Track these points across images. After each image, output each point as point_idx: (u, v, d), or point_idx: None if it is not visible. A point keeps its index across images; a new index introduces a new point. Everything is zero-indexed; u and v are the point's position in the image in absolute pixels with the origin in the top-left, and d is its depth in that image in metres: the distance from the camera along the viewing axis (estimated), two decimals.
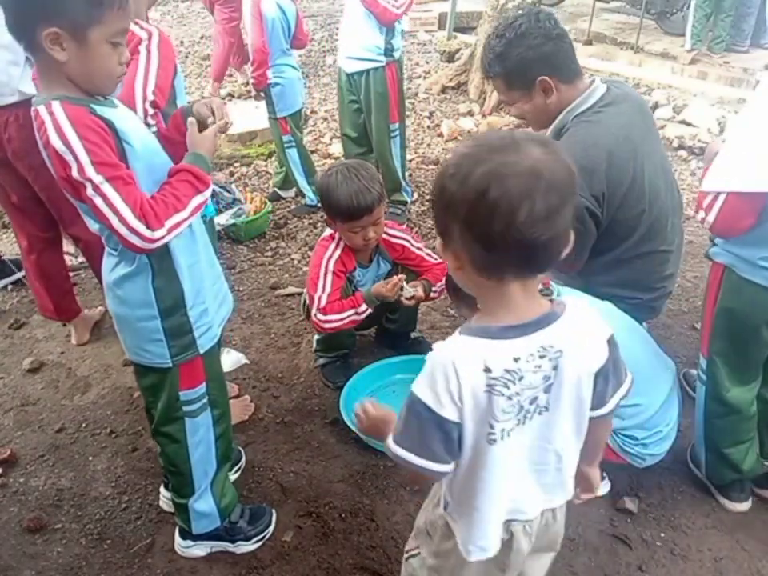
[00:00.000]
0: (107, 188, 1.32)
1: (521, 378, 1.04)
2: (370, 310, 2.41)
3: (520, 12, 2.08)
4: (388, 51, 3.61)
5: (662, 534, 1.98)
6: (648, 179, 2.08)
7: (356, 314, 2.39)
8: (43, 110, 1.33)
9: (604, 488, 2.10)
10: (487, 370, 1.01)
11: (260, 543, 1.94)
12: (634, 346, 1.94)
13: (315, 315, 2.37)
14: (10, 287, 3.26)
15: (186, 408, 1.70)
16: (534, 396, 1.07)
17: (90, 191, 1.33)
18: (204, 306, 1.65)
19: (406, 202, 4.07)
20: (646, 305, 2.24)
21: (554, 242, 0.98)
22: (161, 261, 1.52)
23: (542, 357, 1.05)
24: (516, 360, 1.03)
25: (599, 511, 2.05)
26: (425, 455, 1.08)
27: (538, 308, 1.06)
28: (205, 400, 1.73)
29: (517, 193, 0.92)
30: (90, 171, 1.31)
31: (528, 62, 1.99)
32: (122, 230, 1.35)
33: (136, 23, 1.99)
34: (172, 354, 1.62)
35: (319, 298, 2.37)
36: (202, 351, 1.67)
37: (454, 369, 1.00)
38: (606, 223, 2.05)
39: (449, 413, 1.03)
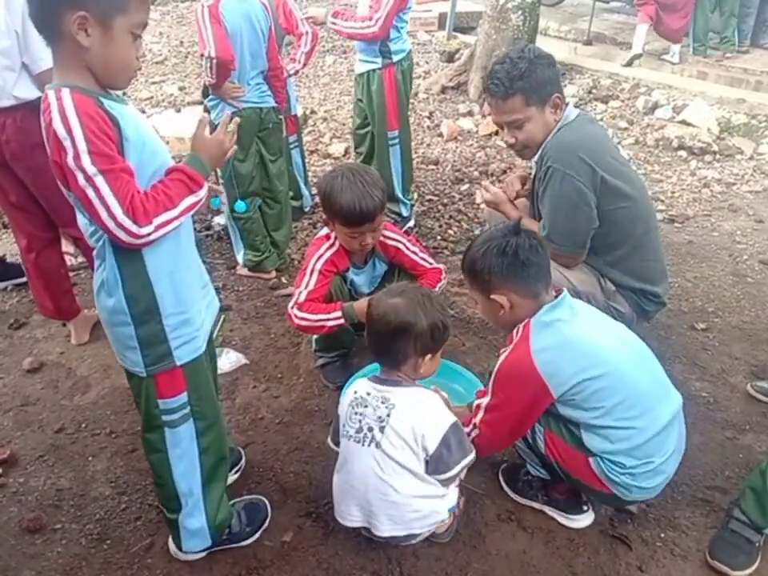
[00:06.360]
0: (99, 180, 1.32)
1: (365, 406, 1.80)
2: (344, 323, 2.37)
3: (517, 46, 2.42)
4: (384, 53, 3.50)
5: (662, 534, 1.98)
6: (630, 174, 2.42)
7: (329, 320, 2.37)
8: (52, 94, 1.34)
9: (587, 518, 2.01)
10: (355, 393, 1.85)
11: (258, 535, 1.95)
12: (636, 367, 1.85)
13: (291, 308, 2.40)
14: (9, 288, 3.26)
15: (165, 417, 1.66)
16: (370, 425, 1.77)
17: (81, 181, 1.32)
18: (186, 316, 1.59)
19: (401, 215, 3.83)
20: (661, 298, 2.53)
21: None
22: (131, 267, 1.49)
23: (382, 402, 1.78)
24: (368, 394, 1.82)
25: (599, 511, 2.04)
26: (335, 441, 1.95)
27: (391, 374, 1.83)
28: (186, 411, 1.67)
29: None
30: (86, 161, 1.30)
31: (548, 79, 2.27)
32: (110, 224, 1.34)
33: None
34: (146, 362, 1.58)
35: (299, 293, 2.40)
36: (179, 363, 1.61)
37: (349, 388, 1.91)
38: (611, 214, 2.33)
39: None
